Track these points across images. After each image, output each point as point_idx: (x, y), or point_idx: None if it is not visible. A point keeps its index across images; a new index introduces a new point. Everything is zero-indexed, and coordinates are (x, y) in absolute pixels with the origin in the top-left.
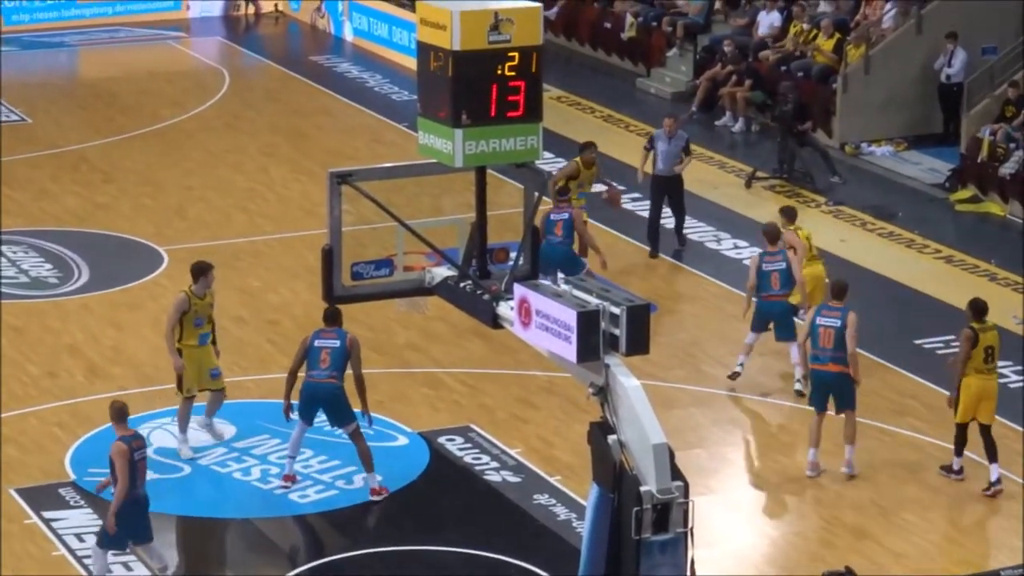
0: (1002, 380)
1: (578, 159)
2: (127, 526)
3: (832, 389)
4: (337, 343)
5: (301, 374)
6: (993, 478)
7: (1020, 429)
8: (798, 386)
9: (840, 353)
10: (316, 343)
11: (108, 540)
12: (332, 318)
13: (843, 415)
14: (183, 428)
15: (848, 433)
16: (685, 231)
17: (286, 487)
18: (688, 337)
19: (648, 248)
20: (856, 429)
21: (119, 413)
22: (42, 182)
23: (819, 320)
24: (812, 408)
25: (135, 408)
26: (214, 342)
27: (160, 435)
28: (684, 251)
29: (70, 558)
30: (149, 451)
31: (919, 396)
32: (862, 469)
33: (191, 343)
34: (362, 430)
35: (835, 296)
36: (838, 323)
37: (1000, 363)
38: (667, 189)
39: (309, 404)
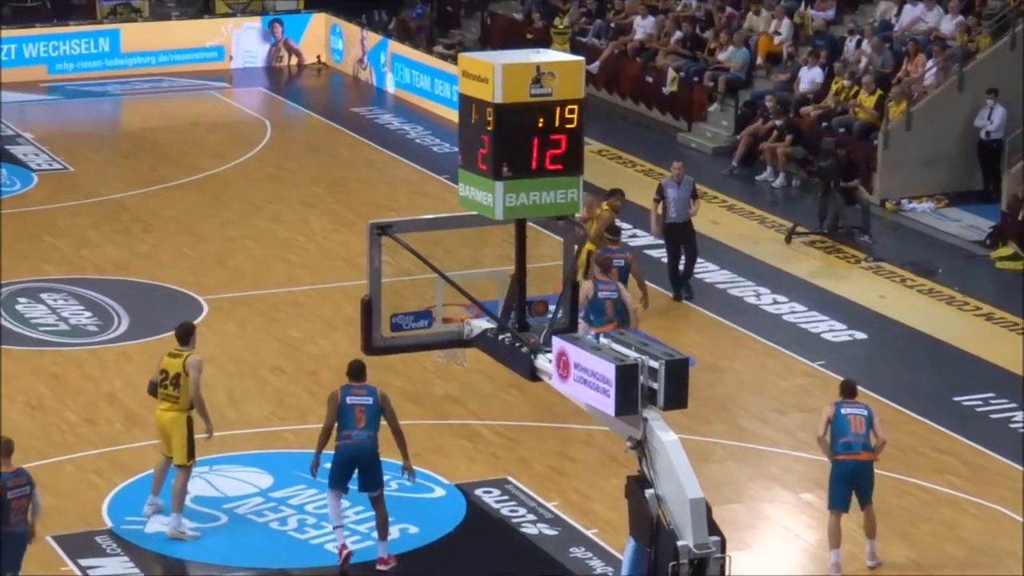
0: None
1: (606, 206)
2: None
3: (859, 480)
4: (370, 400)
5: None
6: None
7: (1021, 468)
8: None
9: (868, 440)
10: (348, 400)
11: None
12: (360, 372)
13: (863, 510)
14: (181, 505)
15: (870, 527)
16: (724, 286)
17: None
18: (726, 392)
19: (671, 293)
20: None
21: (3, 449)
22: (83, 230)
23: (844, 411)
24: (833, 509)
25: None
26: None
27: (200, 484)
28: (723, 305)
29: None
30: (187, 500)
31: (958, 453)
32: (902, 526)
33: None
34: (404, 483)
35: (849, 395)
36: (865, 411)
37: (1001, 403)
38: (682, 235)
39: (347, 467)
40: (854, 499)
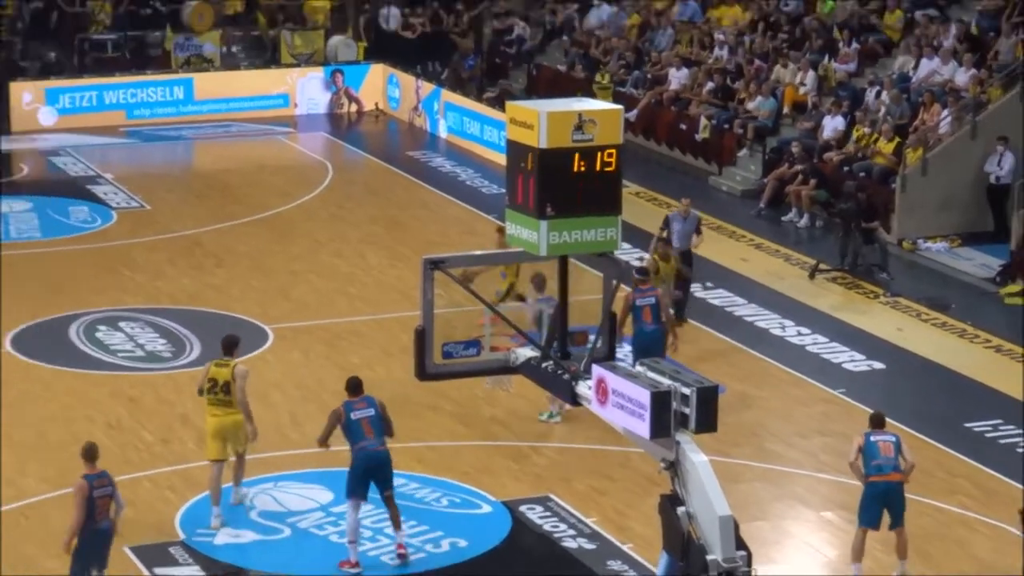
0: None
1: (654, 254)
2: (88, 555)
3: (891, 501)
4: (372, 411)
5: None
6: None
7: (1021, 487)
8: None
9: (898, 463)
10: (353, 416)
11: (74, 570)
12: (357, 388)
13: (896, 532)
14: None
15: (902, 548)
16: (752, 319)
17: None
18: (753, 417)
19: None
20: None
21: (88, 453)
22: (159, 264)
23: (874, 438)
24: (864, 526)
25: (245, 473)
26: None
27: (264, 499)
28: (750, 336)
29: None
30: (253, 514)
31: (969, 476)
32: (919, 542)
33: None
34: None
35: (878, 426)
36: (893, 438)
37: (1008, 429)
38: (683, 263)
39: (365, 476)
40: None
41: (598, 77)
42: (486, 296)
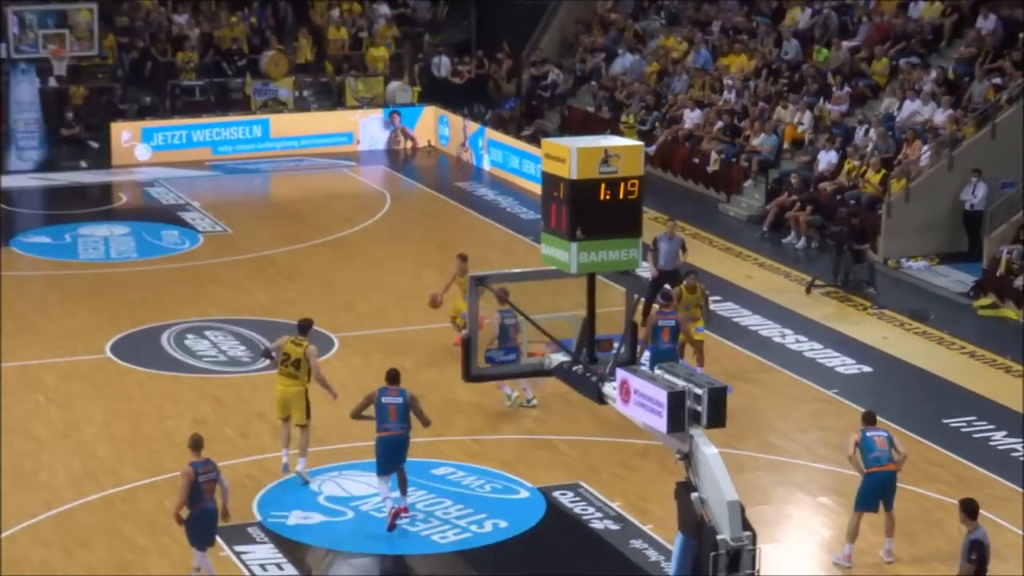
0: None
1: (681, 285)
2: (198, 533)
3: (887, 488)
4: (400, 399)
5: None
6: None
7: (997, 479)
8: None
9: (892, 455)
10: (383, 400)
11: (192, 540)
12: (395, 378)
13: (887, 514)
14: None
15: (890, 528)
16: (756, 329)
17: (405, 518)
18: (757, 414)
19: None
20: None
21: (194, 443)
22: (239, 281)
23: (869, 434)
24: (861, 511)
25: (311, 464)
26: None
27: (330, 486)
28: (755, 343)
29: None
30: (320, 499)
31: (946, 466)
32: (903, 524)
33: None
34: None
35: (870, 422)
36: (885, 434)
37: (981, 424)
38: (668, 281)
39: (389, 455)
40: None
41: (624, 117)
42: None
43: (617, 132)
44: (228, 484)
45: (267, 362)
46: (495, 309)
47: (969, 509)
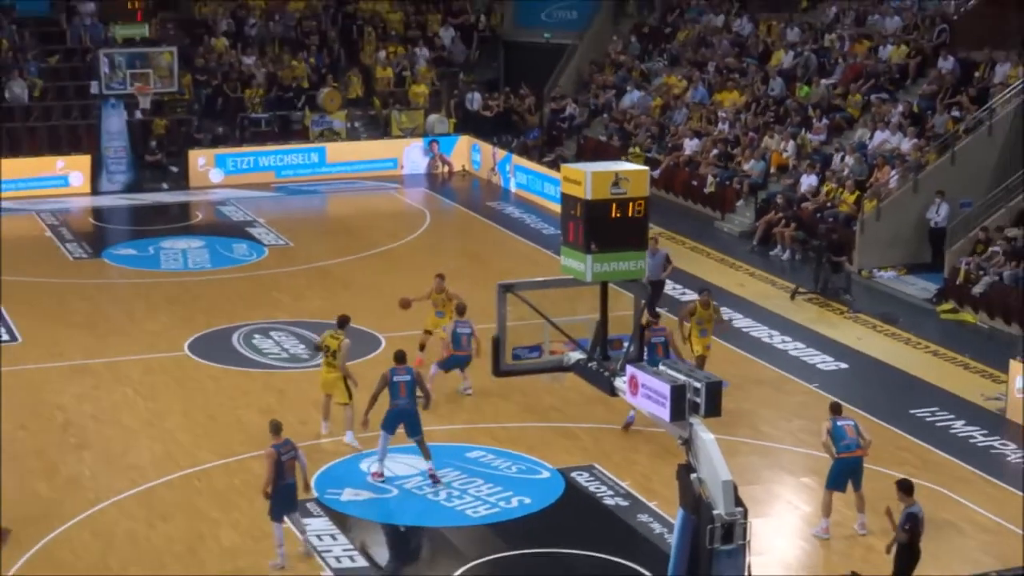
0: (942, 425)
1: (696, 301)
2: (282, 504)
3: (855, 471)
4: (408, 377)
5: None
6: None
7: (958, 462)
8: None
9: (859, 442)
10: (395, 379)
11: (274, 514)
12: (402, 358)
13: (856, 493)
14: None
15: (861, 504)
16: (747, 330)
17: (379, 480)
18: (749, 405)
19: None
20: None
21: (274, 428)
22: (299, 288)
23: (839, 423)
24: (831, 489)
25: (366, 446)
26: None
27: (377, 467)
28: (746, 343)
29: (314, 554)
30: (369, 478)
31: (912, 450)
32: (874, 502)
33: None
34: (522, 468)
35: (838, 412)
36: (852, 423)
37: (943, 415)
38: (654, 291)
39: (396, 421)
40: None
41: (631, 148)
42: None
43: (626, 159)
44: (306, 461)
45: (320, 354)
46: (452, 319)
47: (905, 487)
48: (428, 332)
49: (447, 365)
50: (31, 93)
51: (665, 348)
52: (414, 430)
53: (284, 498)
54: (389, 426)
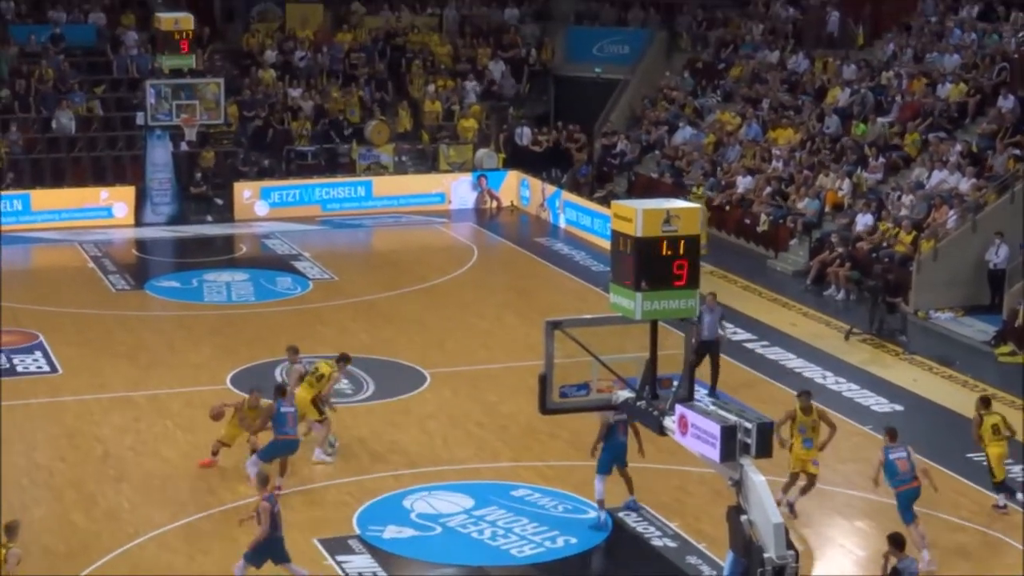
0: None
1: (796, 406)
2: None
3: (916, 500)
4: (292, 409)
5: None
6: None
7: (1020, 509)
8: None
9: (915, 473)
10: (282, 409)
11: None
12: (281, 391)
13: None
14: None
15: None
16: (800, 371)
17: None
18: None
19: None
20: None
21: (262, 480)
22: (344, 322)
23: (892, 456)
24: (910, 523)
25: (406, 484)
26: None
27: (421, 504)
28: (799, 384)
29: None
30: (412, 515)
31: (968, 495)
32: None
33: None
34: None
35: (893, 438)
36: (905, 452)
37: (1018, 467)
38: (709, 350)
39: (281, 452)
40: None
41: (694, 189)
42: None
43: (679, 197)
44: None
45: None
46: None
47: (896, 542)
48: (225, 444)
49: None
50: (82, 119)
51: (626, 428)
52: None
53: (275, 550)
54: (269, 456)
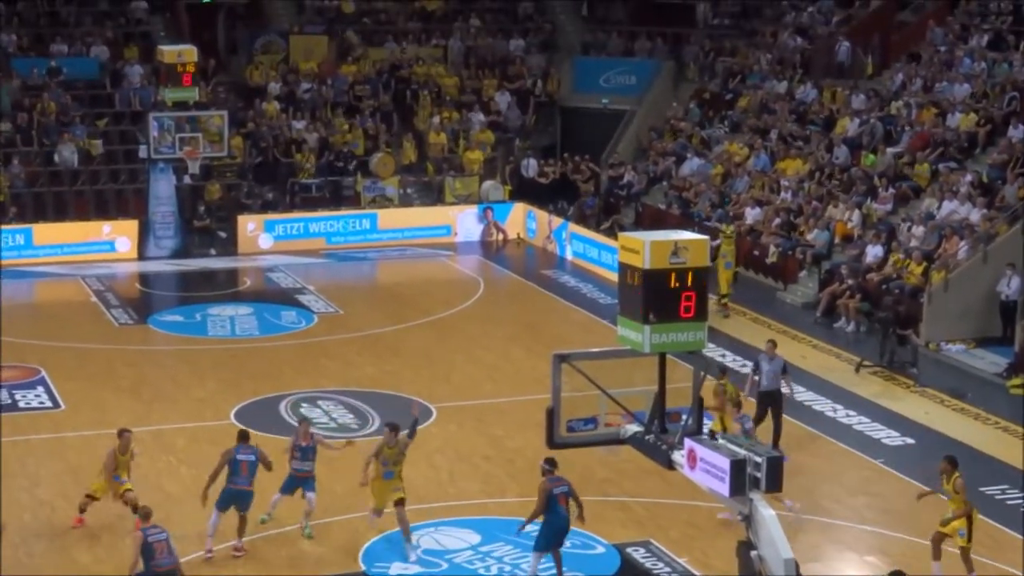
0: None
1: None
2: None
3: None
4: (253, 457)
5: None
6: None
7: (1021, 538)
8: None
9: None
10: (239, 456)
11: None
12: (245, 436)
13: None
14: None
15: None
16: (810, 403)
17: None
18: (810, 481)
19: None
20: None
21: (144, 514)
22: (349, 356)
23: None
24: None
25: (413, 520)
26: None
27: (427, 540)
28: (808, 417)
29: None
30: (418, 552)
31: (982, 528)
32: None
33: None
34: (575, 543)
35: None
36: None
37: (1013, 493)
38: (771, 402)
39: (231, 503)
40: None
41: (723, 228)
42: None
43: (687, 228)
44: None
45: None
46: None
47: None
48: (94, 498)
49: (223, 503)
50: (87, 154)
51: (567, 498)
52: (246, 506)
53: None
54: (224, 507)
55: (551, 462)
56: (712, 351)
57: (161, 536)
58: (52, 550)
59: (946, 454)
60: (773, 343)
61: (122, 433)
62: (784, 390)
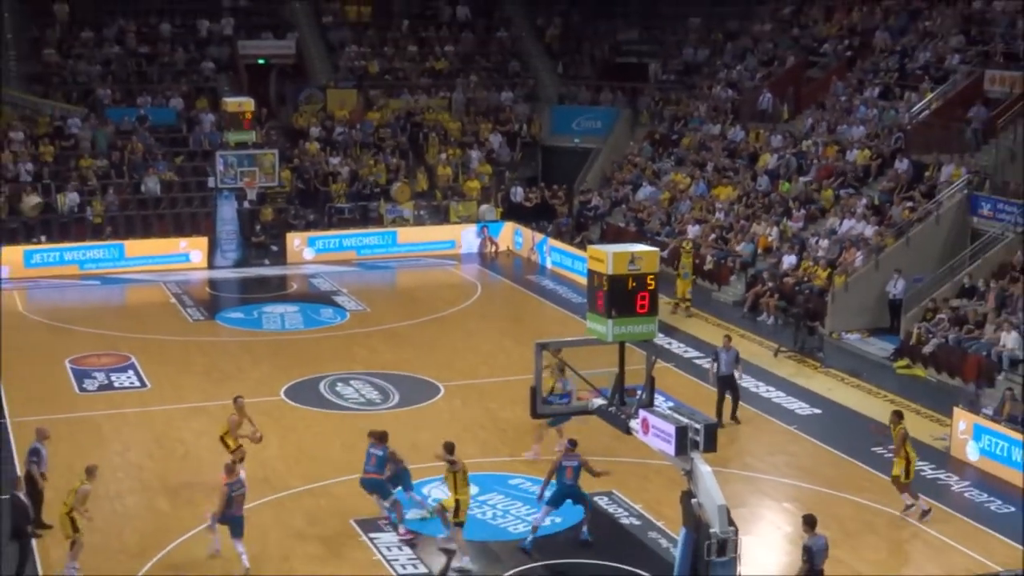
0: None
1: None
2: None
3: None
4: (380, 452)
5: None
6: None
7: (961, 517)
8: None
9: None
10: (233, 493)
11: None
12: (381, 438)
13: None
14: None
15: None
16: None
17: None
18: (739, 443)
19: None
20: None
21: (227, 469)
22: (373, 345)
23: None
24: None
25: (426, 475)
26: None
27: (437, 491)
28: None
29: (383, 561)
30: (430, 500)
31: (873, 480)
32: (841, 524)
33: None
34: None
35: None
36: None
37: (945, 474)
38: (727, 385)
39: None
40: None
41: (684, 244)
42: None
43: (641, 242)
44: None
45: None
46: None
47: (808, 521)
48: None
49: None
50: (167, 185)
51: (576, 473)
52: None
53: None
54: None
55: (573, 443)
56: (660, 340)
57: (242, 491)
58: (140, 501)
59: (895, 409)
60: (728, 337)
61: (236, 400)
62: (736, 374)
